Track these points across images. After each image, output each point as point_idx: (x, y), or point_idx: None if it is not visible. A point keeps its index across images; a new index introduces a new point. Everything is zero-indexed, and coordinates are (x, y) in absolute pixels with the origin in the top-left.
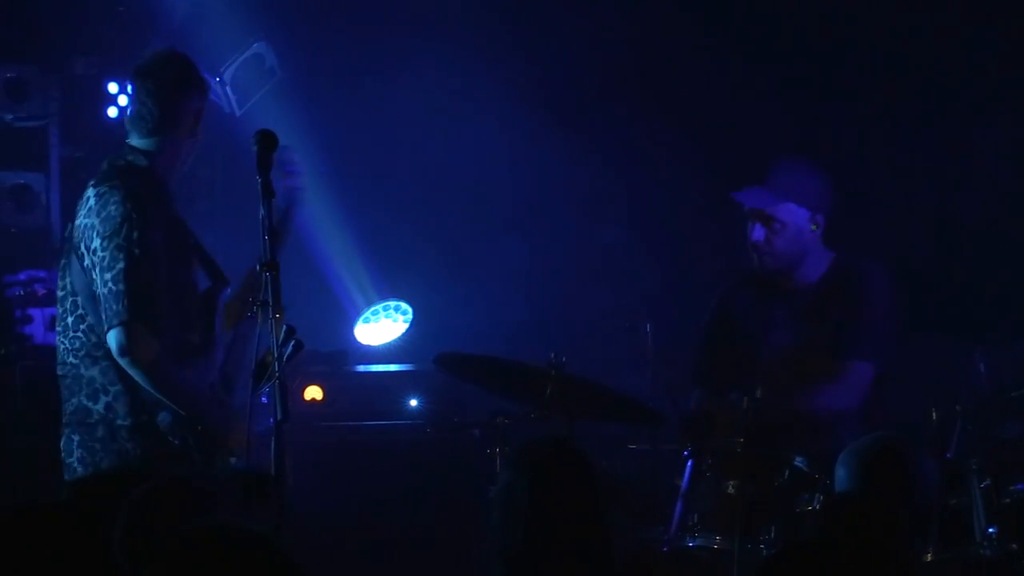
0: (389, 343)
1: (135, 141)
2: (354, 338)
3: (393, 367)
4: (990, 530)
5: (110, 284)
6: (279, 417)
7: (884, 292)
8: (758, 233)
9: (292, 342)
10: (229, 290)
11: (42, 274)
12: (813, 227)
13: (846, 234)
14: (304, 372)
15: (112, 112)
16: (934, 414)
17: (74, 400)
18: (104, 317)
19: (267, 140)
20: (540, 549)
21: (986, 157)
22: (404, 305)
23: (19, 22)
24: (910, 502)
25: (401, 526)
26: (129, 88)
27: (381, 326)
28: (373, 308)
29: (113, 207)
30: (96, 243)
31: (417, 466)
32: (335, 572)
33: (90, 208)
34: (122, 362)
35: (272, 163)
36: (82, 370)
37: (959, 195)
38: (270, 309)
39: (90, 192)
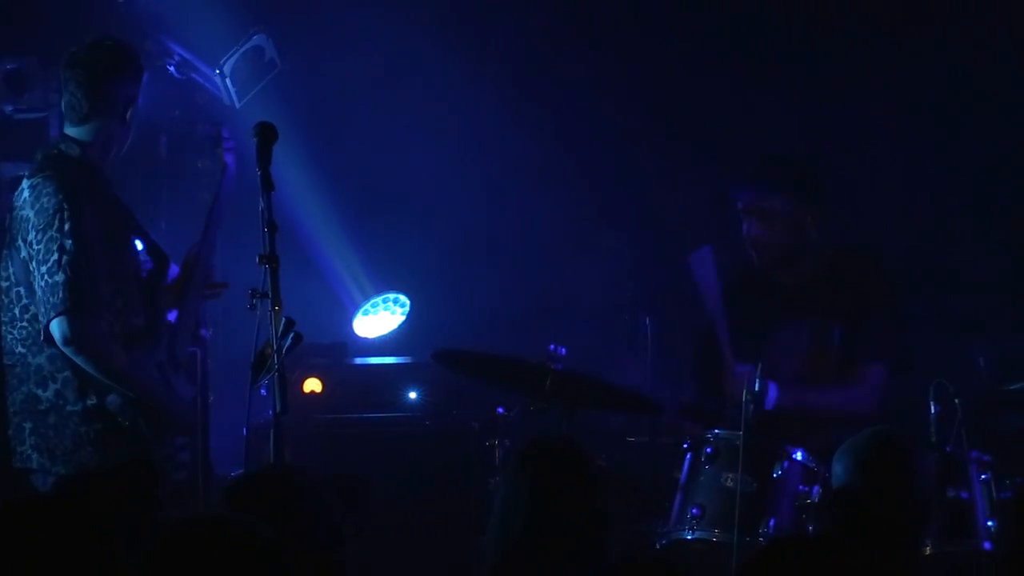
0: (386, 335)
1: (68, 130)
2: (352, 331)
3: (392, 359)
4: (989, 524)
5: (47, 276)
6: (278, 409)
7: (890, 282)
8: (753, 227)
9: (291, 334)
10: (173, 270)
11: None
12: (808, 219)
13: (846, 227)
14: (303, 364)
15: None
16: (933, 408)
17: (23, 389)
18: (43, 309)
19: (267, 133)
20: (537, 544)
21: (984, 150)
22: (403, 298)
23: (19, 14)
24: (908, 496)
25: (399, 518)
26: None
27: (379, 318)
28: (373, 301)
29: (46, 199)
30: (32, 235)
31: (416, 459)
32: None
33: (24, 200)
34: (67, 351)
35: (272, 156)
36: (30, 359)
37: (959, 189)
38: (269, 302)
39: (24, 184)
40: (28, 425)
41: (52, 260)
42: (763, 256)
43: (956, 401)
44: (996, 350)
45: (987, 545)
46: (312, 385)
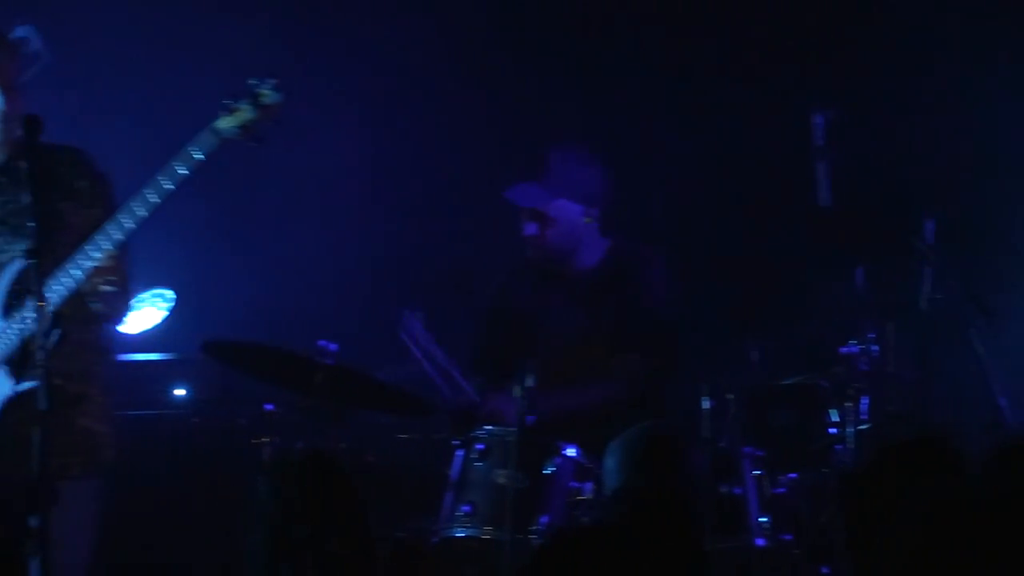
0: (149, 330)
1: None
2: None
3: (159, 356)
4: (762, 519)
5: None
6: (43, 408)
7: (661, 280)
8: (531, 228)
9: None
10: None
11: None
12: (587, 220)
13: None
14: None
15: None
16: (706, 403)
17: None
18: None
19: (33, 126)
20: (290, 555)
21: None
22: (168, 292)
23: None
24: (680, 491)
25: (166, 516)
26: None
27: (144, 314)
28: (139, 296)
29: None
30: None
31: (183, 456)
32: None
33: None
34: None
35: (38, 149)
36: None
37: (735, 181)
38: (34, 297)
39: None
40: None
41: None
42: (537, 253)
43: (729, 396)
44: (769, 345)
45: (759, 541)
46: None
